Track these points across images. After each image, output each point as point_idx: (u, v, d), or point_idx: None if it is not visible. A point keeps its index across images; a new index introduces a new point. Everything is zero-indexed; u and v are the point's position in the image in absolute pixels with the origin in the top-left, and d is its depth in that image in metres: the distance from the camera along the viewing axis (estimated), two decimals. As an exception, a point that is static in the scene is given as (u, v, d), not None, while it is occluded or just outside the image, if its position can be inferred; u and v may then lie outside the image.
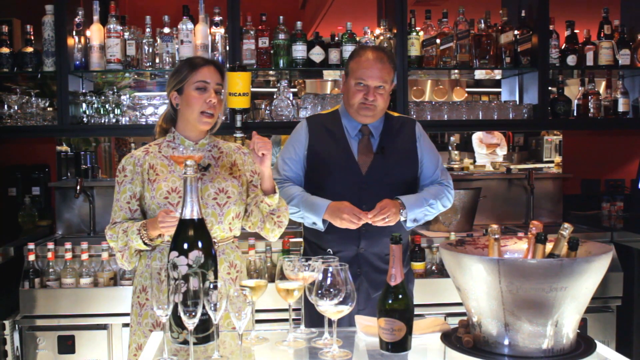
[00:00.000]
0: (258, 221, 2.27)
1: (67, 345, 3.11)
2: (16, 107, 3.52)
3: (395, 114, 2.65)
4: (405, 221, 2.45)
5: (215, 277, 1.77)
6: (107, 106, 3.57)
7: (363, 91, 2.45)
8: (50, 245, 3.13)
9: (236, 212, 2.25)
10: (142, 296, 2.24)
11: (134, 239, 2.14)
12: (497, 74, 4.11)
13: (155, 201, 2.19)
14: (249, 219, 2.31)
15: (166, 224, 2.02)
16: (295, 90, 5.35)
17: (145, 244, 2.14)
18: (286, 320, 1.92)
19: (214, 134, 2.40)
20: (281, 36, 3.53)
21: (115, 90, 3.68)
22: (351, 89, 2.48)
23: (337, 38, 3.63)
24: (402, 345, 1.67)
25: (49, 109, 3.61)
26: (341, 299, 1.62)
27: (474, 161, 5.43)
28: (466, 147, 5.88)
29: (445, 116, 3.74)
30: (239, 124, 3.36)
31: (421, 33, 3.66)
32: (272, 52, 3.56)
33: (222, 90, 2.26)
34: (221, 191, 2.24)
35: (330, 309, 1.63)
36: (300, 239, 2.76)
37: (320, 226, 2.43)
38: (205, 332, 1.74)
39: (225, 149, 2.37)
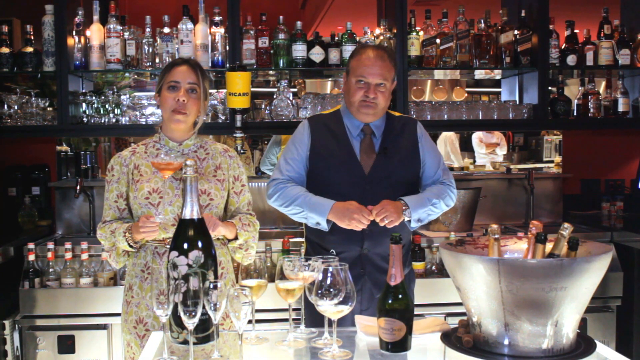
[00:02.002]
0: (231, 249, 2.37)
1: (67, 345, 3.11)
2: (16, 107, 3.52)
3: (397, 114, 2.65)
4: (409, 221, 2.45)
5: (215, 277, 1.77)
6: (107, 106, 3.57)
7: (364, 89, 2.45)
8: (50, 245, 3.13)
9: (218, 216, 2.28)
10: (129, 294, 2.29)
11: (121, 241, 2.20)
12: (497, 74, 4.11)
13: (137, 201, 2.23)
14: None
15: (146, 229, 2.08)
16: (295, 90, 5.35)
17: (130, 246, 2.20)
18: (286, 320, 1.92)
19: (206, 133, 2.40)
20: (281, 36, 3.53)
21: (115, 90, 3.67)
22: (352, 87, 2.48)
23: (337, 38, 3.63)
24: (402, 345, 1.67)
25: (49, 109, 3.61)
26: (341, 299, 1.62)
27: (474, 161, 5.44)
28: (466, 147, 5.88)
29: (445, 116, 3.73)
30: (238, 123, 3.36)
31: (421, 33, 3.65)
32: (272, 52, 3.56)
33: (199, 89, 2.27)
34: (203, 193, 2.26)
35: (330, 308, 1.63)
36: (301, 239, 2.76)
37: (324, 226, 2.43)
38: (205, 332, 1.74)
39: (212, 150, 2.37)
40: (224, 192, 2.32)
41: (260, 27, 3.53)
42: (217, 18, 3.48)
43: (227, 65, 3.45)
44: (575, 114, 3.90)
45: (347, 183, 2.46)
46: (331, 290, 1.62)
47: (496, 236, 1.67)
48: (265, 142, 5.20)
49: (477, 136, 5.58)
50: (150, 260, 2.23)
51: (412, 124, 2.60)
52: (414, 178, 2.56)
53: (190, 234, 1.76)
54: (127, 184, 2.28)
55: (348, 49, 3.51)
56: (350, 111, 2.52)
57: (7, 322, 3.10)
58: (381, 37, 3.66)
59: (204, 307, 1.59)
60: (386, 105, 2.52)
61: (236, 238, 2.28)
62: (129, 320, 2.27)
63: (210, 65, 3.48)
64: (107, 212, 2.31)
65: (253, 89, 3.44)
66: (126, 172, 2.29)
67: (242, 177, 2.40)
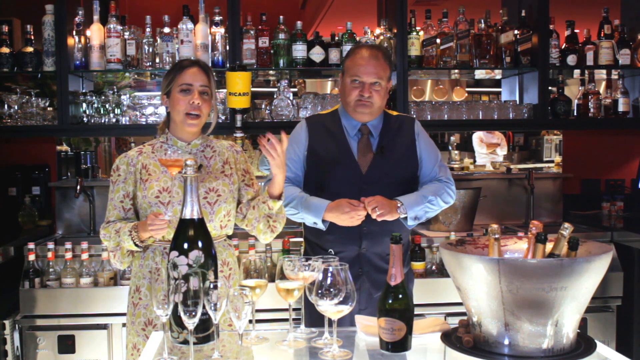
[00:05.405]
0: (253, 219, 2.28)
1: (67, 345, 3.11)
2: (16, 107, 3.52)
3: (394, 113, 2.66)
4: (406, 219, 2.45)
5: (216, 276, 1.77)
6: (107, 106, 3.57)
7: (359, 88, 2.45)
8: (51, 245, 3.13)
9: (227, 210, 2.27)
10: (136, 296, 2.27)
11: (126, 240, 2.16)
12: (497, 74, 4.11)
13: (147, 200, 2.21)
14: (246, 216, 2.32)
15: (155, 226, 2.05)
16: (295, 90, 5.35)
17: (136, 245, 2.17)
18: (286, 320, 1.92)
19: (210, 134, 2.40)
20: (281, 36, 3.53)
21: (115, 90, 3.68)
22: (347, 86, 2.48)
23: (337, 38, 3.63)
24: (402, 345, 1.67)
25: (49, 108, 3.61)
26: (341, 299, 1.62)
27: (474, 161, 5.43)
28: (466, 147, 5.88)
29: (445, 116, 3.74)
30: (239, 123, 3.36)
31: (421, 33, 3.65)
32: (272, 52, 3.56)
33: (210, 91, 2.27)
34: (211, 190, 2.26)
35: (330, 308, 1.63)
36: (301, 239, 2.75)
37: (321, 226, 2.44)
38: (205, 331, 1.74)
39: (218, 147, 2.38)
40: (232, 186, 2.31)
41: (260, 27, 3.54)
42: (217, 18, 3.48)
43: (227, 65, 3.46)
44: (575, 114, 3.90)
45: (344, 183, 2.47)
46: (331, 290, 1.62)
47: (496, 236, 1.67)
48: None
49: (477, 136, 5.57)
50: (160, 261, 2.22)
51: (410, 123, 2.60)
52: (411, 177, 2.56)
53: (191, 233, 1.76)
54: (134, 184, 2.27)
55: (348, 49, 3.51)
56: (347, 111, 2.53)
57: (7, 322, 3.10)
58: (381, 37, 3.66)
59: (204, 307, 1.59)
60: (382, 104, 2.52)
61: (279, 198, 2.21)
62: (137, 322, 2.25)
63: (210, 65, 3.48)
64: (111, 212, 2.28)
65: (253, 89, 3.44)
66: (133, 171, 2.27)
67: (251, 171, 2.41)
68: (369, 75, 2.43)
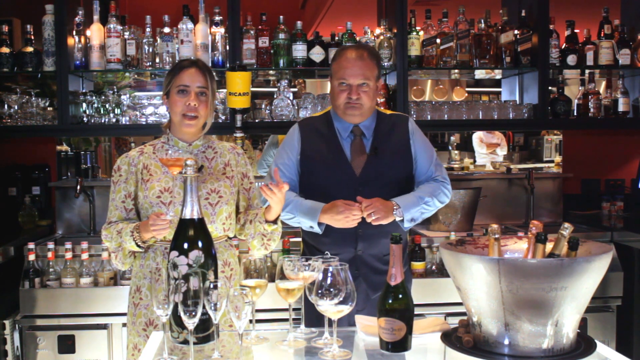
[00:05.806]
0: (249, 235, 2.31)
1: (67, 345, 3.11)
2: (16, 107, 3.52)
3: (388, 112, 2.64)
4: (402, 221, 2.44)
5: (216, 276, 1.77)
6: (107, 106, 3.57)
7: (346, 91, 2.43)
8: (51, 245, 3.13)
9: (228, 212, 2.27)
10: (137, 296, 2.27)
11: (127, 241, 2.16)
12: (497, 74, 4.11)
13: (148, 200, 2.21)
14: (243, 229, 2.34)
15: (157, 227, 2.05)
16: (295, 90, 5.35)
17: (138, 246, 2.16)
18: (286, 320, 1.92)
19: (208, 133, 2.40)
20: (281, 36, 3.53)
21: (115, 90, 3.68)
22: (335, 89, 2.47)
23: (337, 38, 3.63)
24: (402, 345, 1.67)
25: (49, 108, 3.61)
26: (341, 299, 1.62)
27: (474, 161, 5.43)
28: (466, 147, 5.88)
29: (446, 116, 3.74)
30: (239, 123, 3.36)
31: (421, 33, 3.66)
32: (272, 51, 3.56)
33: (208, 92, 2.27)
34: (213, 191, 2.26)
35: (330, 308, 1.63)
36: (301, 239, 2.76)
37: (317, 230, 2.43)
38: (205, 331, 1.74)
39: (220, 149, 2.38)
40: (233, 188, 2.32)
41: (260, 27, 3.54)
42: (217, 18, 3.48)
43: (227, 65, 3.46)
44: (575, 114, 3.90)
45: (339, 185, 2.45)
46: (331, 290, 1.62)
47: (496, 236, 1.67)
48: (266, 141, 5.20)
49: (477, 136, 5.57)
50: (160, 262, 2.22)
51: (403, 121, 2.58)
52: (406, 176, 2.55)
53: (191, 233, 1.76)
54: (135, 184, 2.27)
55: (348, 49, 3.51)
56: (338, 113, 2.52)
57: (7, 322, 3.10)
58: (381, 37, 3.66)
59: (204, 307, 1.59)
60: (372, 105, 2.50)
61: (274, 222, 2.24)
62: (137, 322, 2.25)
63: (210, 65, 3.48)
64: (112, 213, 2.28)
65: (253, 89, 3.44)
66: (134, 172, 2.27)
67: (250, 175, 2.41)
68: (355, 77, 2.41)
